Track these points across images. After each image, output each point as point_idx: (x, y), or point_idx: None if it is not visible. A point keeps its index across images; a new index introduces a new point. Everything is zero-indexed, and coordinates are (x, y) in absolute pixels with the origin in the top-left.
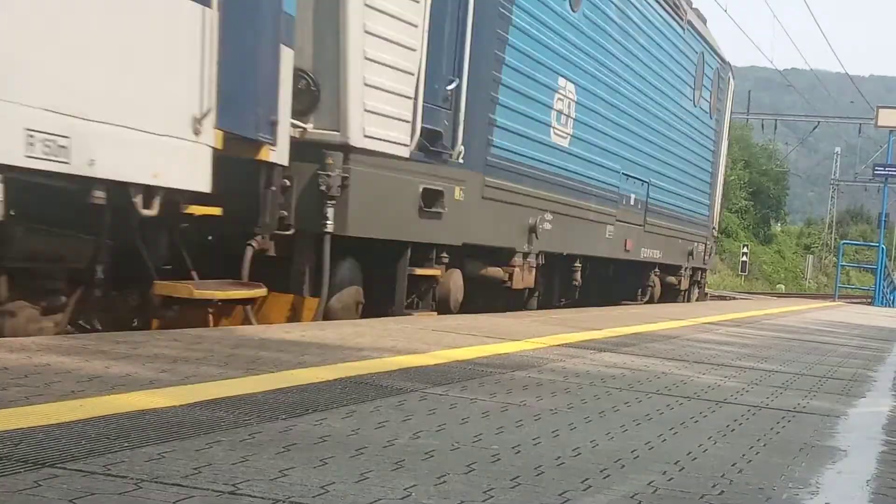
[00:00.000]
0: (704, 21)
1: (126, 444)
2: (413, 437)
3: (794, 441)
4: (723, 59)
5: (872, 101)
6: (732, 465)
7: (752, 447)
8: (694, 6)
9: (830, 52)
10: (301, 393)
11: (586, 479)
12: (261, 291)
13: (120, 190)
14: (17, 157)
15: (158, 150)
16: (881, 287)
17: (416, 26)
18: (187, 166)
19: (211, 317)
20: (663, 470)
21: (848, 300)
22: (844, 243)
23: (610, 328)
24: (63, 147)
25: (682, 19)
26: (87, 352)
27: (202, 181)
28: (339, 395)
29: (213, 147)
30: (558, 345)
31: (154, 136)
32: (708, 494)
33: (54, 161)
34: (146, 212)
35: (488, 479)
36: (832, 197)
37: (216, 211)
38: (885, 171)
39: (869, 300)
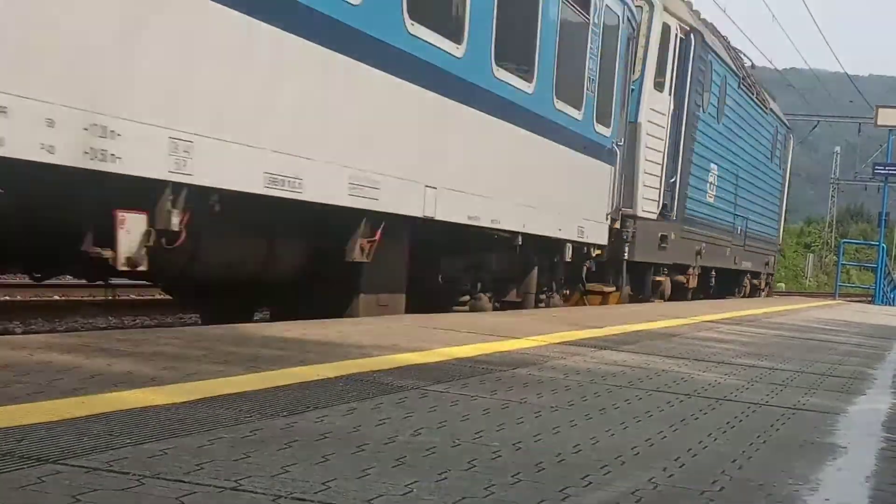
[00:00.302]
0: (774, 98)
1: (128, 441)
2: (414, 433)
3: (794, 438)
4: (788, 127)
5: (872, 100)
6: (733, 462)
7: (752, 444)
8: (765, 87)
9: (829, 51)
10: (302, 390)
11: (587, 476)
12: (613, 288)
13: (585, 247)
14: (574, 236)
15: (598, 229)
16: (881, 286)
17: (659, 151)
18: (603, 234)
19: (607, 298)
20: (664, 466)
21: (848, 299)
22: (845, 242)
23: (610, 326)
24: (583, 230)
25: (766, 107)
26: (88, 349)
27: (606, 240)
28: (341, 393)
29: (609, 225)
30: (559, 342)
31: (598, 223)
32: (708, 491)
33: (580, 237)
34: (594, 255)
35: (489, 476)
36: (832, 196)
37: (601, 252)
38: (884, 170)
39: (869, 299)
